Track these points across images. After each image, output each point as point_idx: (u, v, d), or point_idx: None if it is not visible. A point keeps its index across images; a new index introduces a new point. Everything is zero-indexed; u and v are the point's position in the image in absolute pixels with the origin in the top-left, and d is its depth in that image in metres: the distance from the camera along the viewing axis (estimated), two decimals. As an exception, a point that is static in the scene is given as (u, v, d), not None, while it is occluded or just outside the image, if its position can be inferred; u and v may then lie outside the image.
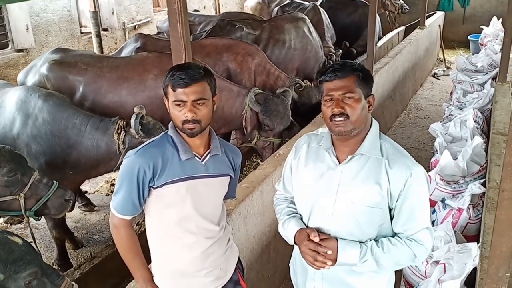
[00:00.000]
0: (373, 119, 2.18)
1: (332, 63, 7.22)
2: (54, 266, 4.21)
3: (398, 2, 10.45)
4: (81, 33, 10.33)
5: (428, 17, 10.68)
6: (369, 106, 2.09)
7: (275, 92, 5.78)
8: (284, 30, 7.02)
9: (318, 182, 2.18)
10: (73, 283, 2.75)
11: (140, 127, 3.92)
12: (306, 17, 7.47)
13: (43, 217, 4.09)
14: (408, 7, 10.59)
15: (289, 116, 5.20)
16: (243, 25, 6.98)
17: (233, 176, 2.43)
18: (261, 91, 5.19)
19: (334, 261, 2.08)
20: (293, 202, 2.38)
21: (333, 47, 7.98)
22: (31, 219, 3.60)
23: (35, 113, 4.13)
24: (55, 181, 3.61)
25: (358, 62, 2.23)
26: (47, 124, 4.11)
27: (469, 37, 11.82)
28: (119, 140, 4.01)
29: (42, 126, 4.11)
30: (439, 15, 11.59)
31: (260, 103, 5.01)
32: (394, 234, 2.14)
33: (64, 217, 4.45)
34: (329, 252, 2.07)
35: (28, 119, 4.12)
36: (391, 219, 2.13)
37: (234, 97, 5.04)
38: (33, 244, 3.24)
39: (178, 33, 2.87)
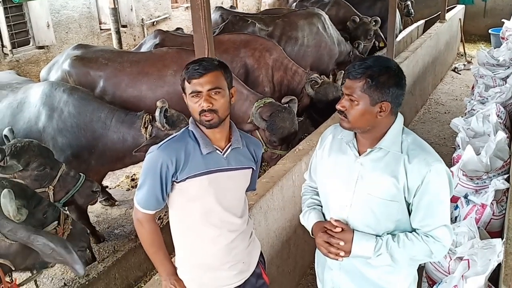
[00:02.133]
0: (399, 113, 2.15)
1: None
2: None
3: (403, 3, 10.04)
4: (101, 29, 10.47)
5: (448, 10, 10.54)
6: (379, 112, 2.04)
7: (292, 89, 5.77)
8: (297, 27, 6.95)
9: (339, 173, 2.20)
10: (66, 212, 3.06)
11: (164, 120, 3.99)
12: (322, 13, 7.37)
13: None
14: (412, 12, 10.27)
15: (296, 128, 4.97)
16: (256, 21, 6.95)
17: (254, 168, 2.44)
18: (268, 100, 4.93)
19: (349, 252, 2.10)
20: (318, 194, 2.41)
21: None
22: None
23: (60, 107, 4.22)
24: (81, 174, 3.73)
25: (387, 63, 2.04)
26: (72, 117, 4.21)
27: (490, 31, 11.64)
28: (146, 134, 4.08)
29: (68, 119, 4.20)
30: (460, 9, 11.43)
31: (266, 119, 4.77)
32: (414, 229, 2.13)
33: (86, 210, 4.52)
34: (342, 243, 2.10)
35: (53, 113, 4.21)
36: (410, 214, 2.13)
37: (242, 99, 4.93)
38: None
39: (201, 28, 2.88)
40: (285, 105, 4.97)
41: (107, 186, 5.87)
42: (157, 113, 3.99)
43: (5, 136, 3.67)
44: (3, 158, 3.40)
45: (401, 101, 2.07)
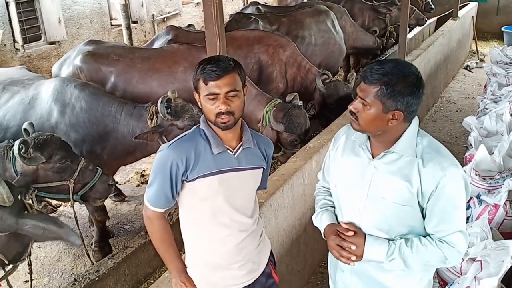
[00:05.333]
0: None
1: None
2: (95, 249, 4.55)
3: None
4: (112, 25, 10.51)
5: (461, 8, 10.44)
6: (391, 119, 1.99)
7: (306, 87, 5.74)
8: (303, 26, 6.88)
9: (352, 175, 2.17)
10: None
11: (168, 110, 4.01)
12: (329, 10, 7.30)
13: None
14: (433, 6, 10.21)
15: (308, 121, 4.96)
16: (260, 19, 6.91)
17: (265, 168, 2.42)
18: (276, 102, 4.89)
19: (360, 257, 2.08)
20: (331, 194, 2.38)
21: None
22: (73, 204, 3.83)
23: (72, 102, 4.25)
24: (99, 168, 3.81)
25: (405, 71, 1.97)
26: (84, 112, 4.24)
27: (503, 29, 11.51)
28: (151, 125, 4.13)
29: (80, 115, 4.24)
30: (472, 6, 11.31)
31: (281, 121, 4.72)
32: (428, 234, 2.10)
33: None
34: (353, 247, 2.08)
35: (65, 109, 4.25)
36: (424, 218, 2.09)
37: (250, 98, 4.87)
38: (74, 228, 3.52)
39: (213, 25, 2.87)
40: (291, 103, 4.94)
41: (117, 182, 5.87)
42: (158, 103, 4.01)
43: (25, 129, 3.73)
44: (27, 150, 3.48)
45: (416, 109, 2.02)
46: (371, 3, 8.68)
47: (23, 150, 3.43)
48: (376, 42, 8.13)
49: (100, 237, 4.60)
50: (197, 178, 2.18)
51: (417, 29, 9.65)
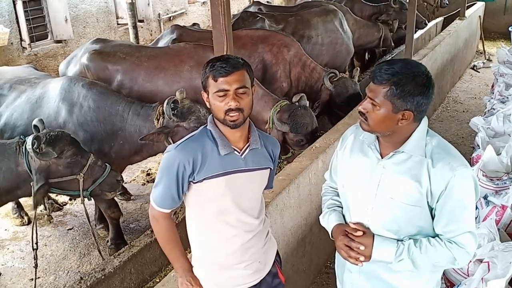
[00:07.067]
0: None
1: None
2: (111, 247, 4.58)
3: None
4: (118, 24, 10.53)
5: (468, 7, 10.38)
6: (401, 120, 1.98)
7: (310, 86, 5.73)
8: (310, 25, 6.87)
9: (361, 175, 2.16)
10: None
11: (174, 111, 4.04)
12: (337, 10, 7.29)
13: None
14: (448, 2, 10.20)
15: (316, 123, 4.95)
16: (267, 18, 6.90)
17: (272, 168, 2.41)
18: (283, 103, 4.88)
19: (369, 257, 2.06)
20: (338, 194, 2.37)
21: None
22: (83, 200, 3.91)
23: (80, 101, 4.28)
24: (107, 164, 3.89)
25: (415, 71, 1.95)
26: (92, 111, 4.27)
27: (510, 29, 11.43)
28: (158, 125, 4.15)
29: (88, 114, 4.27)
30: (480, 6, 11.24)
31: (286, 121, 4.74)
32: (437, 234, 2.08)
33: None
34: (362, 247, 2.06)
35: (73, 108, 4.27)
36: (433, 219, 2.08)
37: (257, 98, 4.83)
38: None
39: (220, 24, 2.86)
40: (297, 103, 4.93)
41: (123, 180, 5.88)
42: (165, 105, 4.03)
43: (35, 126, 3.76)
44: (39, 145, 3.54)
45: (426, 109, 2.00)
46: (370, 4, 8.67)
47: (35, 146, 3.50)
48: (381, 29, 8.13)
49: (115, 235, 4.63)
50: (204, 179, 2.17)
51: (424, 29, 9.61)
